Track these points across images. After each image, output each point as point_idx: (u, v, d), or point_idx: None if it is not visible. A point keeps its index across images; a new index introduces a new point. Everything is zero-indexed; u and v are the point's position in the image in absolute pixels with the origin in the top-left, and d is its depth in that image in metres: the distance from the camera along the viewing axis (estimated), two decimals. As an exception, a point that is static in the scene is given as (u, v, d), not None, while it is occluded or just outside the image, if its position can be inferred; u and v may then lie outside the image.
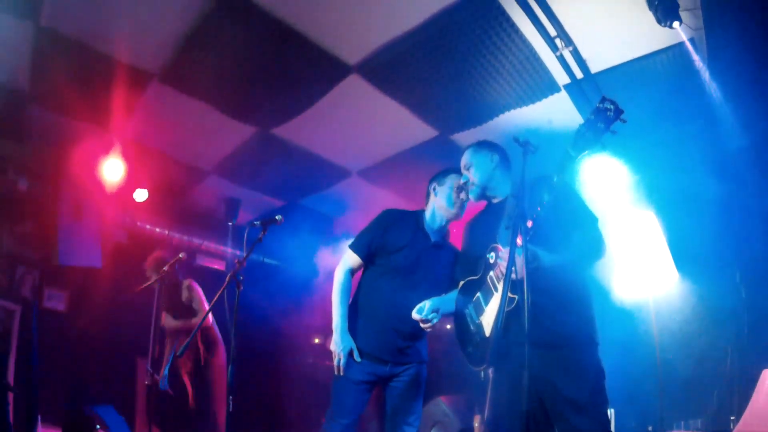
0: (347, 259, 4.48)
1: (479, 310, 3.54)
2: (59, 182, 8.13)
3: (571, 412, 3.12)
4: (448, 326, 8.75)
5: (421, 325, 3.68)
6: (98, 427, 5.49)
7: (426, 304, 3.69)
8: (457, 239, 4.27)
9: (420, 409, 4.32)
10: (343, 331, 4.21)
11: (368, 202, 8.57)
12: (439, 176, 4.49)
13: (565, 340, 3.26)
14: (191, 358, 6.72)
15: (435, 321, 3.66)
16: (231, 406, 3.95)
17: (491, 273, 3.41)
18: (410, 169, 7.44)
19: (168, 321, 6.93)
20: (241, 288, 4.15)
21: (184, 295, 6.87)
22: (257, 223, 4.39)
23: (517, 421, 3.19)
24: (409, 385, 4.22)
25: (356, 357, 4.12)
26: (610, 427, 3.27)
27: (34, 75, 5.93)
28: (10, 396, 6.19)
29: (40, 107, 6.59)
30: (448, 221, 4.41)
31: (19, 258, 8.41)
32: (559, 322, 3.27)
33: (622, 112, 2.81)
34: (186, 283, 6.95)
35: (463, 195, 4.25)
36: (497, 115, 6.13)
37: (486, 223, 3.74)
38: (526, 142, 3.05)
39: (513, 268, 2.87)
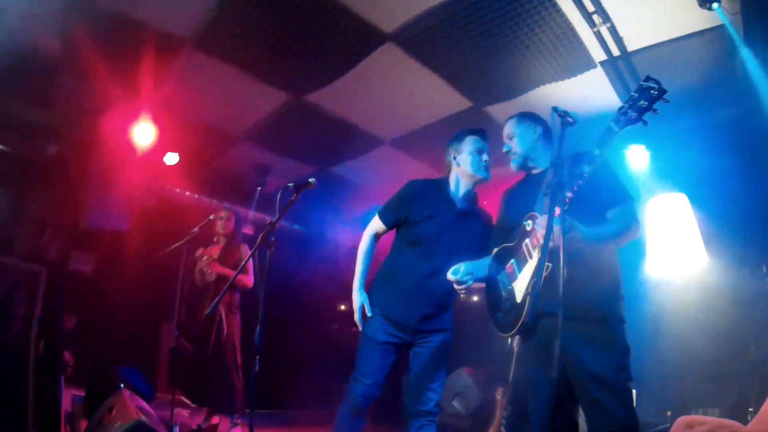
0: (374, 224, 4.70)
1: (512, 277, 3.61)
2: (89, 147, 8.38)
3: (596, 387, 3.20)
4: (475, 298, 8.98)
5: (455, 286, 3.85)
6: (122, 385, 5.70)
7: (461, 267, 3.79)
8: (493, 209, 4.41)
9: (443, 376, 4.43)
10: (358, 287, 4.49)
11: (400, 171, 8.64)
12: (455, 142, 4.63)
13: (594, 315, 3.33)
14: (218, 320, 6.92)
15: (470, 284, 3.77)
16: (258, 366, 4.08)
17: (527, 240, 3.49)
18: (443, 139, 7.46)
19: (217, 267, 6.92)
20: (273, 249, 4.29)
21: (236, 256, 7.00)
22: (290, 185, 4.49)
23: (543, 390, 3.38)
24: (434, 351, 4.36)
25: (367, 311, 4.38)
26: (632, 404, 3.29)
27: (65, 42, 6.10)
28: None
29: (71, 74, 6.77)
30: (474, 185, 4.52)
31: (46, 222, 8.68)
32: (589, 296, 3.33)
33: (665, 92, 2.89)
34: (243, 247, 7.11)
35: (485, 156, 4.45)
36: (532, 89, 6.24)
37: (524, 192, 3.80)
38: (564, 113, 3.12)
39: (551, 236, 2.98)
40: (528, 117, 3.95)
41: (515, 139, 3.89)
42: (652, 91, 2.89)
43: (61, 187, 8.83)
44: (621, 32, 5.17)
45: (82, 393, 6.70)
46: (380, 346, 4.35)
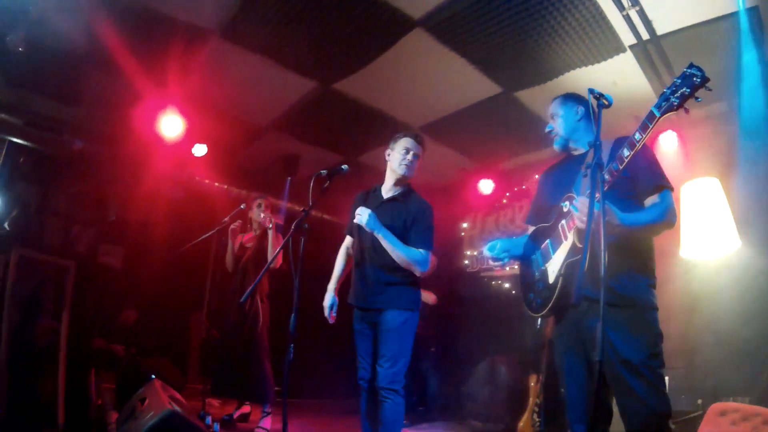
0: (345, 240, 5.46)
1: (546, 257, 3.70)
2: (116, 141, 8.55)
3: (628, 373, 3.23)
4: (506, 285, 9.09)
5: (491, 263, 4.07)
6: (153, 376, 5.80)
7: (498, 243, 3.96)
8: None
9: (394, 352, 4.74)
10: (330, 290, 5.21)
11: (429, 158, 8.76)
12: (392, 141, 5.13)
13: (627, 302, 3.35)
14: (251, 308, 7.03)
15: (505, 260, 3.96)
16: (292, 353, 4.25)
17: (563, 222, 3.56)
18: (473, 125, 7.70)
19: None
20: (306, 236, 4.43)
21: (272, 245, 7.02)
22: (323, 172, 4.74)
23: (575, 373, 3.50)
24: (383, 329, 4.80)
25: (333, 312, 5.11)
26: (665, 391, 3.31)
27: (90, 37, 6.19)
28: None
29: (97, 69, 6.92)
30: (398, 180, 5.06)
31: (74, 216, 8.89)
32: (623, 282, 3.36)
33: (708, 80, 2.91)
34: (278, 237, 7.04)
35: (410, 156, 4.97)
36: (562, 74, 6.30)
37: (563, 173, 3.88)
38: (600, 95, 3.15)
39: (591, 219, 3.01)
40: (572, 97, 4.00)
41: (558, 119, 3.96)
42: (694, 79, 2.92)
43: (88, 181, 9.05)
44: (650, 15, 5.19)
45: (113, 385, 6.88)
46: (357, 333, 5.05)
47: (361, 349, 5.02)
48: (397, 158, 5.00)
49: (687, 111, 2.97)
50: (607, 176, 3.15)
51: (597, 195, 2.98)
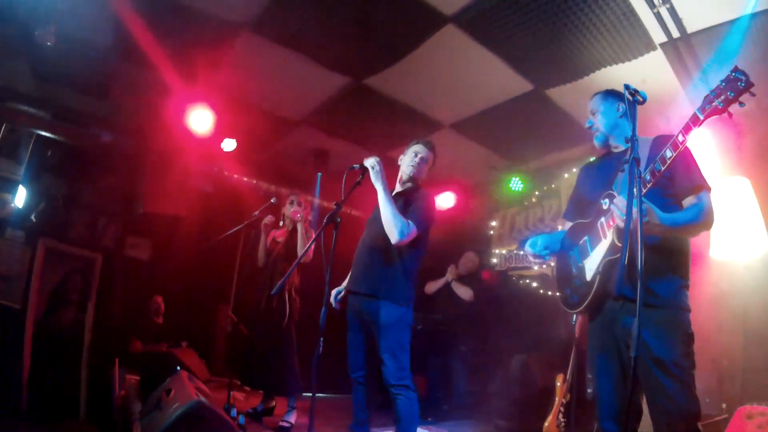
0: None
1: (584, 254, 3.76)
2: (144, 134, 8.75)
3: (659, 372, 3.27)
4: (534, 284, 9.16)
5: (531, 260, 4.17)
6: (178, 368, 5.88)
7: (539, 240, 4.07)
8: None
9: (393, 348, 4.89)
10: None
11: (459, 155, 8.93)
12: (406, 148, 5.52)
13: (663, 302, 3.39)
14: (280, 302, 7.10)
15: (546, 258, 4.08)
16: (321, 347, 4.35)
17: (602, 219, 3.61)
18: (503, 123, 7.74)
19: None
20: (337, 230, 4.55)
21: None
22: (356, 166, 4.95)
23: (607, 370, 3.56)
24: (379, 325, 4.92)
25: (338, 298, 5.40)
26: (695, 391, 3.33)
27: (119, 31, 6.36)
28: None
29: (126, 62, 7.07)
30: (407, 180, 5.43)
31: (101, 209, 9.09)
32: (658, 282, 3.40)
33: (752, 84, 2.96)
34: (311, 233, 7.18)
35: (417, 159, 5.34)
36: (592, 72, 6.31)
37: (603, 169, 3.93)
38: (635, 91, 3.24)
39: (621, 217, 3.13)
40: (612, 93, 4.02)
41: (598, 116, 4.00)
42: (739, 83, 2.97)
43: (116, 174, 9.22)
44: (680, 13, 5.20)
45: (137, 376, 7.02)
46: (350, 325, 5.24)
47: (351, 341, 5.22)
48: (407, 161, 5.42)
49: (730, 116, 3.02)
50: (648, 176, 3.23)
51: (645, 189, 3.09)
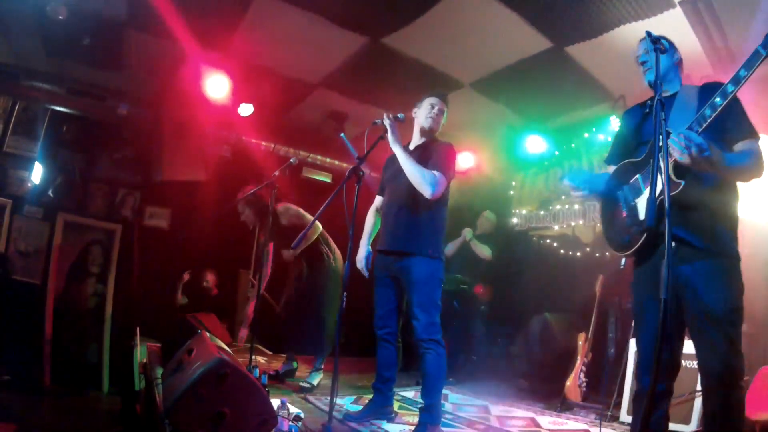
0: (376, 200, 5.85)
1: (637, 192, 3.64)
2: (160, 103, 8.75)
3: (708, 324, 3.20)
4: (555, 245, 9.12)
5: (572, 192, 4.10)
6: (199, 331, 5.87)
7: (581, 174, 4.09)
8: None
9: (425, 303, 4.98)
10: (361, 246, 5.67)
11: (480, 115, 8.85)
12: (419, 102, 5.60)
13: (716, 248, 3.29)
14: (299, 266, 7.21)
15: (585, 192, 3.94)
16: (344, 302, 4.36)
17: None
18: (523, 81, 7.65)
19: (286, 254, 7.27)
20: (360, 183, 4.54)
21: (283, 220, 7.17)
22: (378, 121, 5.03)
23: (654, 316, 3.24)
24: (411, 280, 5.05)
25: (368, 264, 5.57)
26: (741, 347, 3.24)
27: (132, 1, 6.38)
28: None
29: (139, 32, 7.08)
30: (423, 133, 5.51)
31: (119, 181, 9.23)
32: (713, 227, 3.32)
33: None
34: (281, 208, 7.20)
35: (435, 110, 5.42)
36: (611, 29, 6.22)
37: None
38: (657, 39, 3.22)
39: (680, 151, 3.05)
40: (671, 42, 3.87)
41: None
42: None
43: (132, 145, 9.36)
44: None
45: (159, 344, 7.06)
46: (379, 282, 5.41)
47: (380, 298, 5.37)
48: (423, 113, 5.45)
49: None
50: (709, 111, 3.18)
51: (699, 129, 3.12)
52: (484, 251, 8.87)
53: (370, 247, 5.66)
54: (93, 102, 8.63)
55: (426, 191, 4.87)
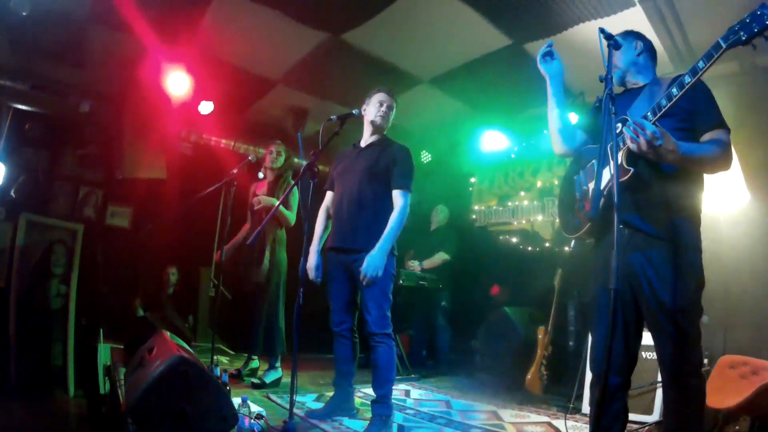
0: (326, 197, 5.73)
1: (590, 176, 3.66)
2: (122, 100, 8.67)
3: (662, 316, 3.19)
4: (514, 239, 9.18)
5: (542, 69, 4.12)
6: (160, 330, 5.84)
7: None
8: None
9: (377, 297, 5.02)
10: (311, 252, 5.45)
11: (438, 110, 8.91)
12: (367, 98, 5.57)
13: (671, 237, 3.25)
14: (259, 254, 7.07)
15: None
16: (301, 298, 4.39)
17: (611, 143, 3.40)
18: (482, 78, 7.67)
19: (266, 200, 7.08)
20: (317, 179, 4.57)
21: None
22: (333, 117, 5.00)
23: (606, 305, 3.21)
24: (361, 273, 4.94)
25: (319, 274, 5.44)
26: (700, 340, 3.24)
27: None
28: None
29: (102, 28, 6.98)
30: (374, 131, 5.49)
31: (81, 179, 9.15)
32: (671, 215, 3.28)
33: None
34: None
35: (383, 108, 5.40)
36: (571, 26, 6.25)
37: (619, 102, 3.66)
38: (610, 35, 3.25)
39: (632, 138, 3.08)
40: (631, 33, 3.96)
41: (617, 53, 3.82)
42: (765, 19, 2.87)
43: (95, 143, 9.28)
44: None
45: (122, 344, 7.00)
46: (332, 278, 5.38)
47: (335, 293, 5.35)
48: (372, 111, 5.43)
49: (755, 47, 2.93)
50: (664, 101, 3.18)
51: (653, 118, 3.14)
52: (441, 258, 9.00)
53: (321, 255, 5.54)
54: (56, 99, 8.51)
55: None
